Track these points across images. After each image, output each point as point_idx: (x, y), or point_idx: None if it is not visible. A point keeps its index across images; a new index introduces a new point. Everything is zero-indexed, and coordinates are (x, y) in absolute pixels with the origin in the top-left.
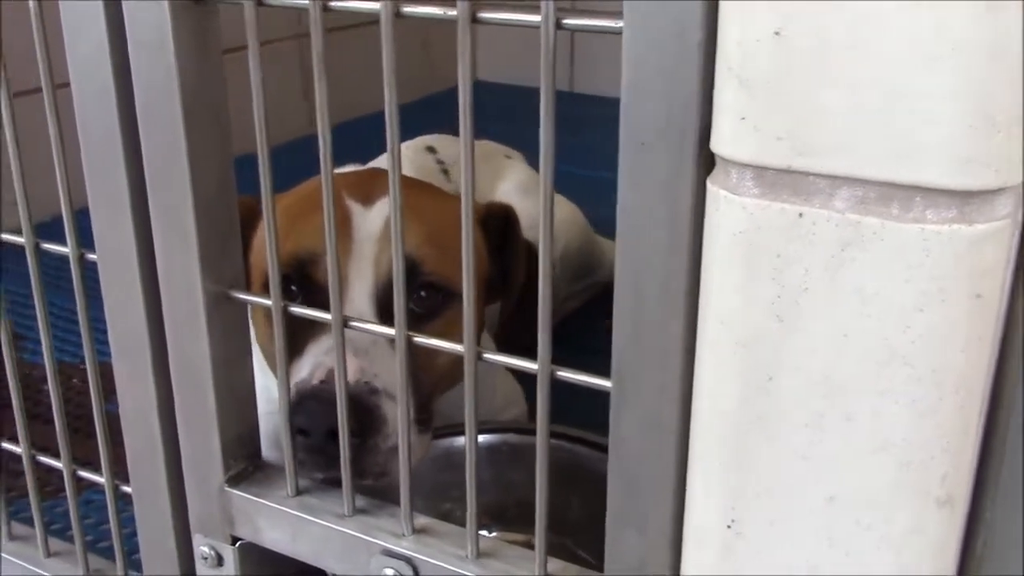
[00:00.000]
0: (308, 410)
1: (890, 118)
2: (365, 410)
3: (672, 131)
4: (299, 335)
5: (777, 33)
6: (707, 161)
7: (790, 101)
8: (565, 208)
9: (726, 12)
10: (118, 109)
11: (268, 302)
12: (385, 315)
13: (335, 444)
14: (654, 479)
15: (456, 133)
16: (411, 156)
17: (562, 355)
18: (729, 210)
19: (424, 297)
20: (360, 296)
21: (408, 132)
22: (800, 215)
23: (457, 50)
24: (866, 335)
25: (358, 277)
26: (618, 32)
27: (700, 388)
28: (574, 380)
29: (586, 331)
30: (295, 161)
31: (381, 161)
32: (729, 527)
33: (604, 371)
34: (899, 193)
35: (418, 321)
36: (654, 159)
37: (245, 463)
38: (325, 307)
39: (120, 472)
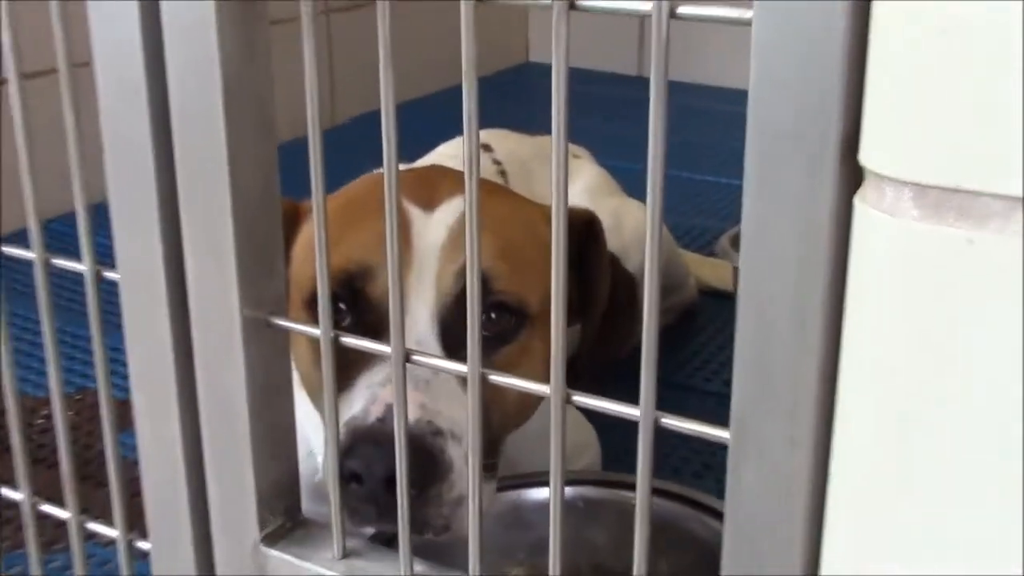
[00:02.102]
0: (363, 453)
1: None
2: (427, 455)
3: (810, 138)
4: (349, 361)
5: (946, 26)
6: (853, 175)
7: (959, 107)
8: (643, 216)
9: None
10: (149, 103)
11: (316, 331)
12: (449, 340)
13: (391, 493)
14: (780, 546)
15: (512, 127)
16: (462, 156)
17: (633, 390)
18: (881, 234)
19: (494, 319)
20: (421, 319)
21: (445, 126)
22: (969, 242)
23: (550, 37)
24: None
25: (419, 296)
26: (747, 23)
27: (841, 440)
28: (683, 429)
29: (666, 362)
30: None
31: (435, 158)
32: None
33: (692, 411)
34: None
35: (486, 347)
36: (787, 170)
37: (283, 518)
38: (380, 328)
39: (136, 525)
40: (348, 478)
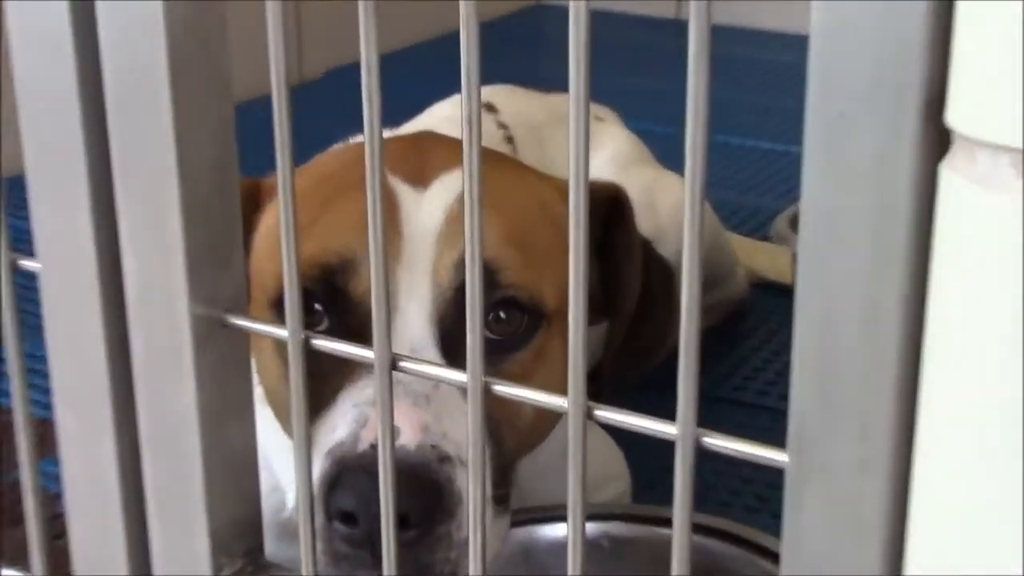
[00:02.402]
0: (355, 487)
1: None
2: (433, 486)
3: (885, 95)
4: (328, 373)
5: None
6: (938, 139)
7: None
8: (682, 191)
9: None
10: (75, 55)
11: (283, 332)
12: (449, 345)
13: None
14: None
15: (522, 83)
16: (459, 119)
17: (670, 405)
18: (973, 209)
19: (502, 320)
20: (415, 320)
21: (439, 82)
22: None
23: None
24: None
25: (411, 293)
26: None
27: (924, 464)
28: (730, 451)
29: (709, 370)
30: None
31: (427, 122)
32: None
33: (741, 430)
34: None
35: (492, 353)
36: (857, 134)
37: (242, 561)
38: (365, 332)
39: (59, 573)
40: (337, 517)
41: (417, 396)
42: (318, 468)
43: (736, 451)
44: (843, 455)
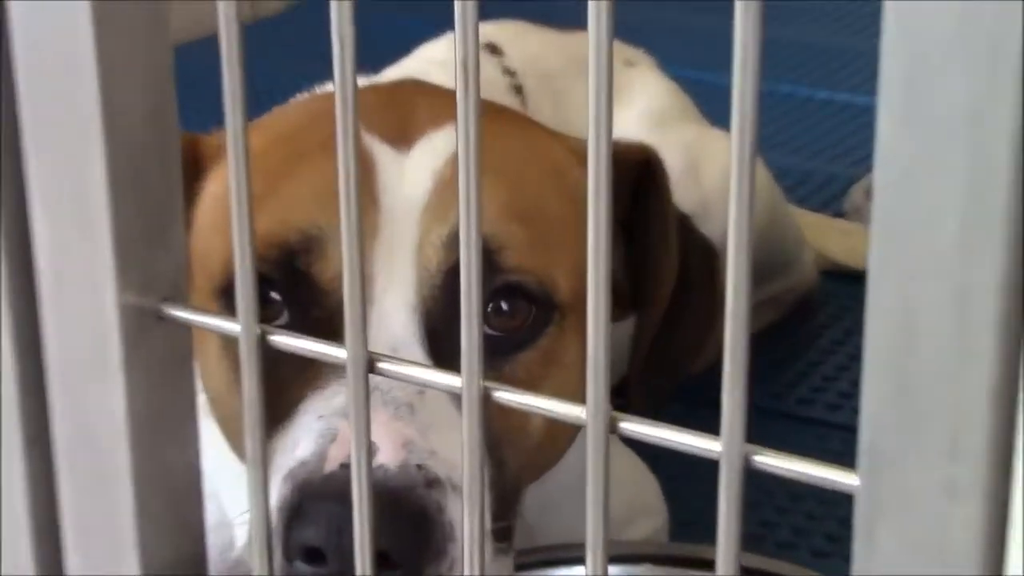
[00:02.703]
0: (320, 516)
1: None
2: (421, 517)
3: (979, 33)
4: (288, 378)
5: None
6: None
7: None
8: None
9: None
10: None
11: (233, 326)
12: (437, 343)
13: None
14: None
15: (532, 19)
16: (452, 63)
17: (714, 419)
18: None
19: (505, 311)
20: (396, 312)
21: (429, 18)
22: None
23: None
24: None
25: (391, 278)
26: None
27: None
28: (784, 471)
29: (768, 379)
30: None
31: (414, 68)
32: None
33: (808, 451)
34: None
35: (495, 353)
36: (944, 82)
37: None
38: (335, 327)
39: None
40: (299, 555)
41: (399, 405)
42: (276, 494)
43: (793, 472)
44: (927, 476)
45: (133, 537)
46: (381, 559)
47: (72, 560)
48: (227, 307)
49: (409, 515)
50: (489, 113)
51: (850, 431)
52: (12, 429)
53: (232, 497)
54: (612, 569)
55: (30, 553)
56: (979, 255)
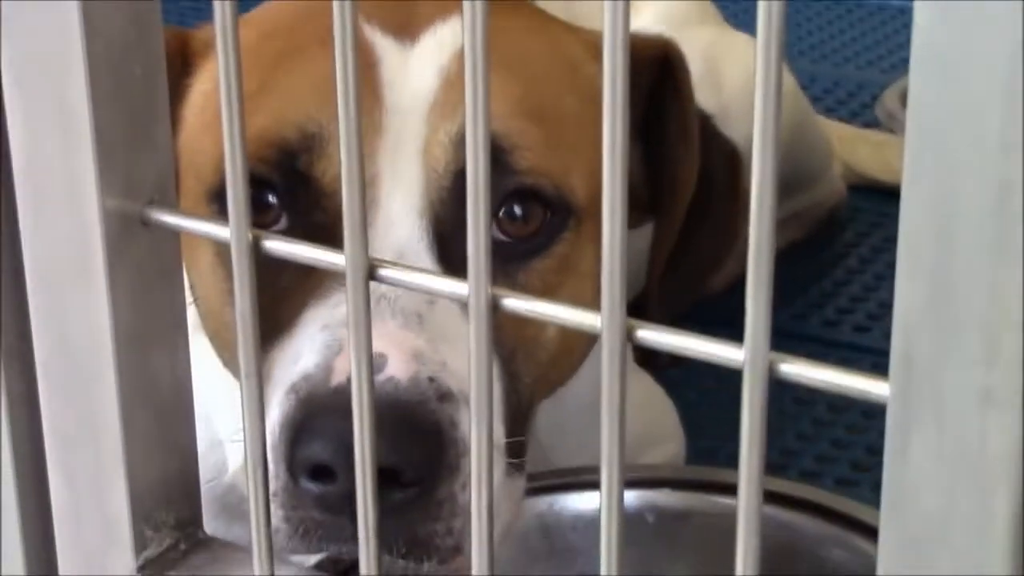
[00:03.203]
0: (327, 431)
1: None
2: (433, 432)
3: None
4: (287, 287)
5: None
6: None
7: None
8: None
9: None
10: None
11: (223, 231)
12: (447, 249)
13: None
14: (967, 553)
15: None
16: None
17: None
18: None
19: (518, 216)
20: (401, 214)
21: None
22: None
23: None
24: None
25: (396, 180)
26: None
27: None
28: (813, 381)
29: (791, 300)
30: None
31: None
32: None
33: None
34: None
35: (507, 260)
36: None
37: (174, 536)
38: (333, 231)
39: None
40: (306, 473)
41: (408, 315)
42: (277, 410)
43: (820, 381)
44: (962, 384)
45: (119, 455)
46: (391, 477)
47: (57, 488)
48: (220, 211)
49: (422, 431)
50: (499, 3)
51: (879, 354)
52: None
53: (223, 418)
54: (628, 494)
55: (11, 476)
56: (1017, 151)
